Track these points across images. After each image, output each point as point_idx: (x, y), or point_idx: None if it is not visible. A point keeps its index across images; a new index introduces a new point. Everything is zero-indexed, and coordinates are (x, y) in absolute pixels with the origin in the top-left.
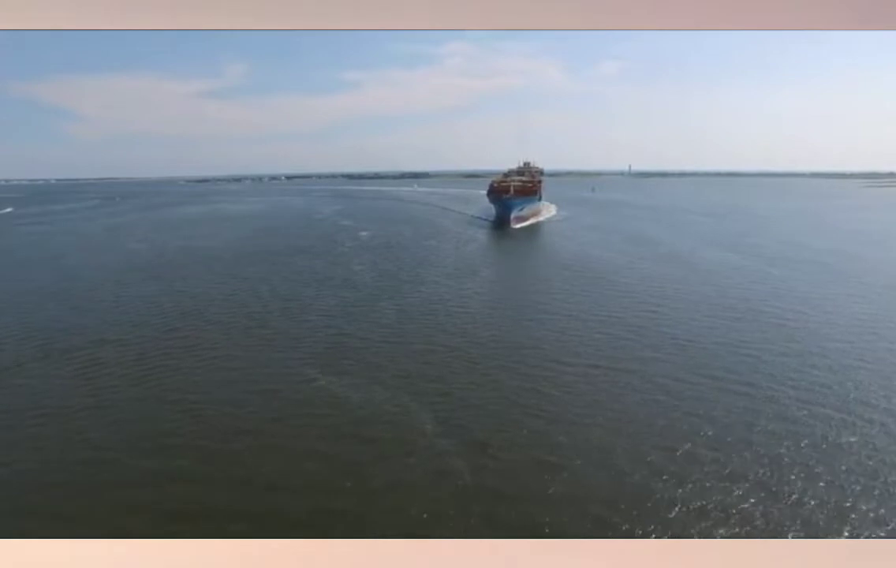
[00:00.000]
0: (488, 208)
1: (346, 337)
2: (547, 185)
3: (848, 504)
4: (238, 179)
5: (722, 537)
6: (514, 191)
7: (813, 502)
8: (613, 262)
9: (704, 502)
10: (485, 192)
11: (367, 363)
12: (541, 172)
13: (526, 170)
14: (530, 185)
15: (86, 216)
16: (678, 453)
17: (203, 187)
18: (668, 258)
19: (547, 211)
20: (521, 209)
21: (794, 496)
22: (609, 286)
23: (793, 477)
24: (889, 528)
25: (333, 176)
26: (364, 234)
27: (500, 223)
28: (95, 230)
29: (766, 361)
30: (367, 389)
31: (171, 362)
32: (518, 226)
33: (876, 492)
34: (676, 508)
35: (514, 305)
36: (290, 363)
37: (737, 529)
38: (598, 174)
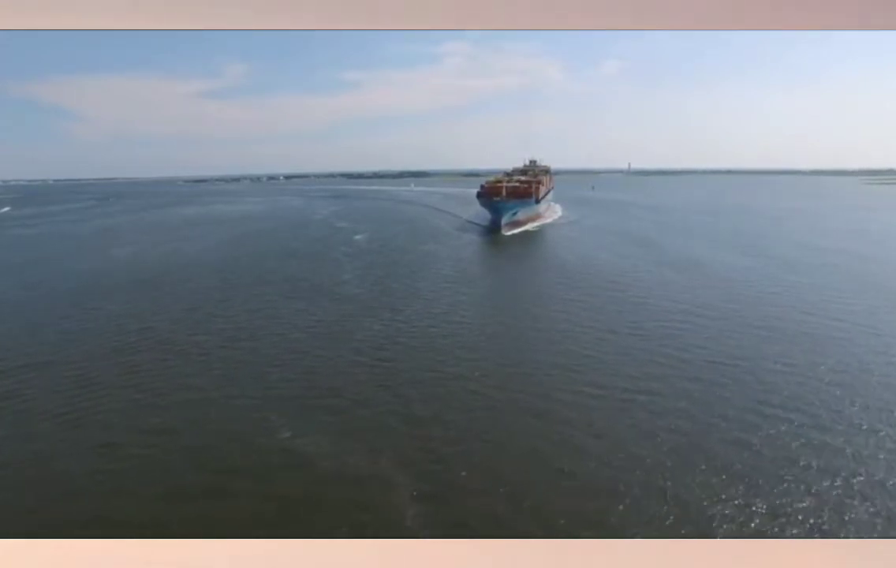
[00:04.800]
0: (483, 211)
1: (323, 366)
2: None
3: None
4: (237, 179)
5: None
6: (506, 193)
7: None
8: (621, 279)
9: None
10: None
11: (343, 405)
12: (546, 171)
13: (529, 169)
14: (526, 186)
15: (78, 217)
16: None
17: (201, 187)
18: (682, 267)
19: (551, 213)
20: (515, 214)
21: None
22: (613, 311)
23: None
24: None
25: (332, 175)
26: (359, 237)
27: (492, 229)
28: (83, 233)
29: (800, 384)
30: (338, 443)
31: (109, 393)
32: (510, 232)
33: None
34: None
35: (500, 337)
36: (252, 403)
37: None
38: (598, 173)
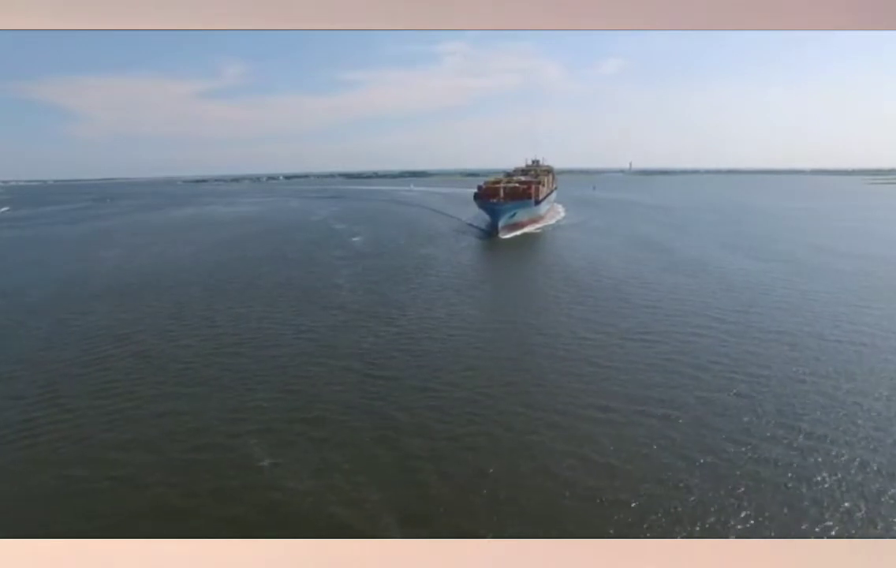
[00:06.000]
0: (482, 213)
1: (316, 375)
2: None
3: None
4: (237, 179)
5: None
6: (504, 194)
7: None
8: (627, 284)
9: None
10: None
11: (335, 416)
12: (548, 171)
13: (531, 169)
14: (525, 186)
15: (71, 219)
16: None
17: (200, 188)
18: (691, 271)
19: (553, 215)
20: (512, 216)
21: None
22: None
23: None
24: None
25: (332, 175)
26: (356, 239)
27: (490, 232)
28: (74, 235)
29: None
30: (330, 457)
31: (74, 406)
32: (508, 236)
33: None
34: None
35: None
36: (229, 424)
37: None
38: (599, 172)
